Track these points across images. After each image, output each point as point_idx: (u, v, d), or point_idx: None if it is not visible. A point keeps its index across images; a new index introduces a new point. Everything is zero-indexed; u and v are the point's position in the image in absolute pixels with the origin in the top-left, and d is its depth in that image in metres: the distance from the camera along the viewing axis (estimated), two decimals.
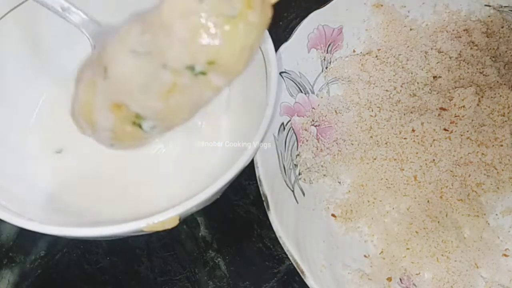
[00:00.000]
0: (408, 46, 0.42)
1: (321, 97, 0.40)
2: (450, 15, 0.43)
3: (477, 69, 0.40)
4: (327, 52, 0.41)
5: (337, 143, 0.39)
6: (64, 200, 0.35)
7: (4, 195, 0.31)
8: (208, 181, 0.34)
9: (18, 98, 0.38)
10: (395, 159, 0.37)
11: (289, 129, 0.37)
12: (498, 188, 0.37)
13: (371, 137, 0.38)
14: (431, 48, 0.41)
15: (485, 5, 0.43)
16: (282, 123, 0.37)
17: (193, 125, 0.38)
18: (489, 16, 0.43)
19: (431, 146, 0.37)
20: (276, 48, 0.35)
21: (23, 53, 0.38)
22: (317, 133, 0.39)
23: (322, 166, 0.38)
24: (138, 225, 0.27)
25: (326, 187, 0.38)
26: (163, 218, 0.28)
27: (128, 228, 0.27)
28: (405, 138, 0.38)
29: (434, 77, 0.40)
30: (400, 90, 0.40)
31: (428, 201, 0.36)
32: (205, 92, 0.26)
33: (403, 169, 0.37)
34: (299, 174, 0.37)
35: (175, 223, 0.28)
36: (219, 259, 0.37)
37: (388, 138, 0.38)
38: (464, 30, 0.42)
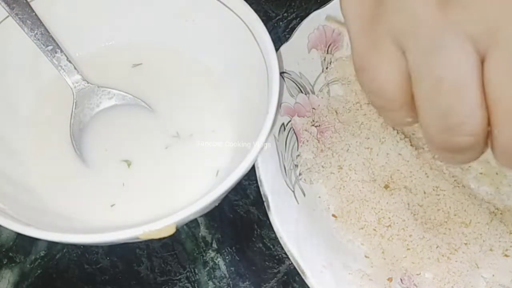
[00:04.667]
0: None
1: (322, 98, 0.40)
2: None
3: None
4: (327, 53, 0.41)
5: None
6: (61, 205, 0.35)
7: (2, 198, 0.32)
8: (207, 184, 0.35)
9: (17, 99, 0.38)
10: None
11: (290, 130, 0.37)
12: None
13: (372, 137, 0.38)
14: None
15: None
16: (283, 124, 0.37)
17: (193, 127, 0.38)
18: None
19: None
20: (276, 48, 0.35)
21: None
22: (317, 133, 0.39)
23: (322, 166, 0.38)
24: (134, 232, 0.27)
25: (326, 187, 0.37)
26: (159, 226, 0.28)
27: (124, 236, 0.28)
28: (406, 137, 0.38)
29: None
30: None
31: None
32: None
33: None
34: (300, 174, 0.37)
35: (171, 231, 0.28)
36: (219, 259, 0.37)
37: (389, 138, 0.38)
38: None
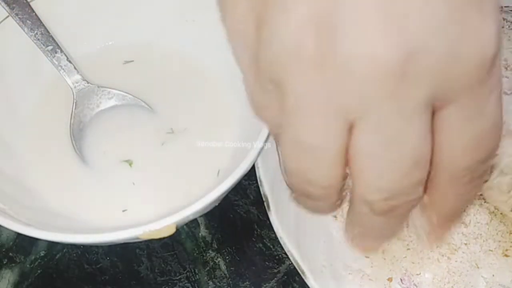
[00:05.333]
0: None
1: None
2: None
3: None
4: None
5: None
6: (61, 205, 0.35)
7: (2, 198, 0.31)
8: (208, 184, 0.35)
9: (17, 99, 0.38)
10: None
11: None
12: None
13: None
14: None
15: None
16: None
17: (193, 127, 0.38)
18: None
19: None
20: None
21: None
22: None
23: None
24: (134, 232, 0.27)
25: None
26: (159, 226, 0.28)
27: (124, 236, 0.27)
28: None
29: None
30: None
31: None
32: None
33: None
34: None
35: (171, 231, 0.28)
36: (219, 259, 0.37)
37: None
38: None
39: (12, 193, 0.33)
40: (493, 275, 0.34)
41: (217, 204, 0.32)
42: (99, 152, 0.37)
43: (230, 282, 0.36)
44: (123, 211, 0.34)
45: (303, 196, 0.22)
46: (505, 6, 0.43)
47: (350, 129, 0.18)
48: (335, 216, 0.36)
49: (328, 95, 0.18)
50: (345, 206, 0.36)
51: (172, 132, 0.38)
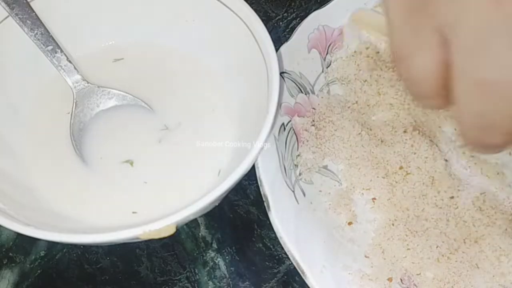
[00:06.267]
0: None
1: (322, 98, 0.40)
2: None
3: None
4: (328, 53, 0.41)
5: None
6: (60, 205, 0.35)
7: (2, 197, 0.32)
8: (209, 183, 0.35)
9: (17, 99, 0.38)
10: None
11: (290, 130, 0.37)
12: None
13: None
14: None
15: None
16: (283, 124, 0.37)
17: (193, 127, 0.38)
18: None
19: None
20: (277, 48, 0.35)
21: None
22: (317, 133, 0.39)
23: (322, 166, 0.38)
24: (134, 232, 0.27)
25: (326, 187, 0.37)
26: (159, 226, 0.28)
27: (124, 236, 0.28)
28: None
29: None
30: None
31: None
32: None
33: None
34: (300, 174, 0.37)
35: (171, 231, 0.28)
36: (219, 259, 0.37)
37: None
38: None
39: (12, 193, 0.33)
40: (493, 276, 0.34)
41: (217, 204, 0.32)
42: (99, 152, 0.37)
43: (230, 282, 0.36)
44: (133, 212, 0.34)
45: (480, 146, 0.21)
46: None
47: None
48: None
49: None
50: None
51: (172, 132, 0.38)
